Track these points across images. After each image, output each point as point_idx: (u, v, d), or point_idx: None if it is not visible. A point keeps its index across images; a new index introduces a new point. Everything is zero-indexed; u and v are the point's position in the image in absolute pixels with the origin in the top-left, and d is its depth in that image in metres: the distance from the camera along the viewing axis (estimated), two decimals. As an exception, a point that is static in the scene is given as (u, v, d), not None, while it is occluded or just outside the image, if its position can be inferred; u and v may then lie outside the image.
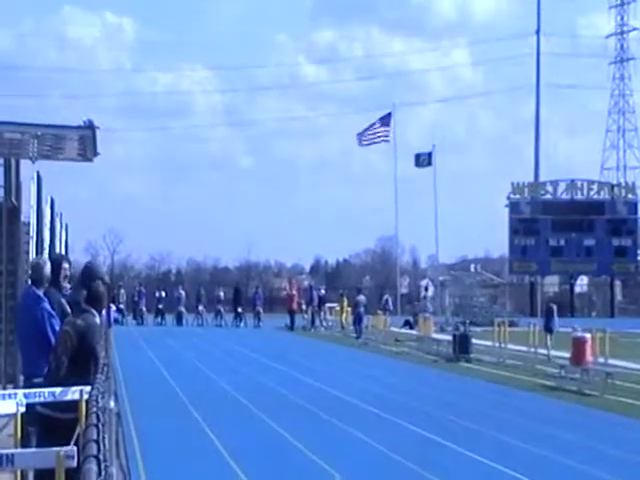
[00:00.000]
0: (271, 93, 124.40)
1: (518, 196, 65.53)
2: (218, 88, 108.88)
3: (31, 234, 15.82)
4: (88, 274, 9.69)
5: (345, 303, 46.00)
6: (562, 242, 65.24)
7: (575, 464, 12.60)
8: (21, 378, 10.05)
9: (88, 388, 7.40)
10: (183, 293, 50.67)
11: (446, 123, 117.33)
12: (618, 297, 72.99)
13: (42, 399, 7.67)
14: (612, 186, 69.07)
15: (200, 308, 49.24)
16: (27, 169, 14.80)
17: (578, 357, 22.42)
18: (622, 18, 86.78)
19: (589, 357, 22.59)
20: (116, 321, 42.05)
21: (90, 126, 12.12)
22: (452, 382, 23.54)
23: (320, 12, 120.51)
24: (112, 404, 9.20)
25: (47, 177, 16.50)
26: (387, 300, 49.14)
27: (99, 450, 4.70)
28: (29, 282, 9.82)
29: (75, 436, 6.37)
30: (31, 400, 7.58)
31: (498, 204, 66.85)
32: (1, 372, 14.53)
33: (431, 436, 14.66)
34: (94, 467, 4.39)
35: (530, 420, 16.72)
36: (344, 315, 45.45)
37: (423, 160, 55.33)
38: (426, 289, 51.79)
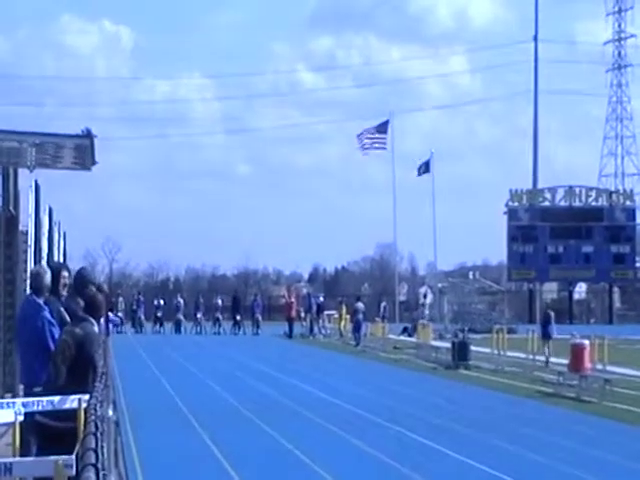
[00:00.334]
0: (269, 101, 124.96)
1: (516, 203, 65.57)
2: (216, 96, 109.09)
3: (29, 243, 15.83)
4: (81, 280, 9.71)
5: (344, 310, 45.98)
6: (560, 249, 65.27)
7: (573, 471, 12.60)
8: (21, 387, 10.05)
9: (87, 397, 7.40)
10: (182, 301, 50.67)
11: (444, 130, 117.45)
12: (616, 304, 72.96)
13: (41, 408, 7.67)
14: (610, 193, 69.13)
15: (199, 316, 49.24)
16: (25, 178, 14.82)
17: (577, 364, 22.41)
18: (620, 25, 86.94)
19: (587, 364, 22.58)
20: (116, 326, 42.01)
21: (88, 135, 12.14)
22: (451, 389, 23.53)
23: (318, 20, 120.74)
24: (111, 413, 9.21)
25: (45, 186, 16.52)
26: (385, 307, 49.18)
27: (97, 459, 4.70)
28: (29, 291, 9.82)
29: (74, 445, 6.37)
30: (30, 409, 7.58)
31: (496, 211, 66.98)
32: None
33: (430, 443, 14.64)
34: (92, 476, 4.39)
35: (529, 427, 16.71)
36: (343, 323, 45.44)
37: (421, 167, 55.38)
38: (425, 296, 51.72)
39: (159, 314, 50.05)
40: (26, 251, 15.71)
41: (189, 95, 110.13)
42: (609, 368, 23.95)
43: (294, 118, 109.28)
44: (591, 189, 68.38)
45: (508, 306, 68.34)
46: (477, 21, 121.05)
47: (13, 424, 7.34)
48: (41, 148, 12.64)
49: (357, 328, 40.92)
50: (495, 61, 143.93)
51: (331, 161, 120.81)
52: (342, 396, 20.77)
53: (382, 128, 56.65)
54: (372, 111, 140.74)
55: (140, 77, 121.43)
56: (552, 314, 31.55)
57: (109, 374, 13.16)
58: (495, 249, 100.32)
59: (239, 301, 50.99)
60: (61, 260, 25.47)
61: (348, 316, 45.02)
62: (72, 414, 7.42)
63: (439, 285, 58.03)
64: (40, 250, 17.02)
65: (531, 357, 28.49)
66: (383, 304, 50.16)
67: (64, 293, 9.59)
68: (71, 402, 7.58)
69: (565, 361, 23.82)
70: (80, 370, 8.16)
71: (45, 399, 7.70)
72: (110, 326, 23.96)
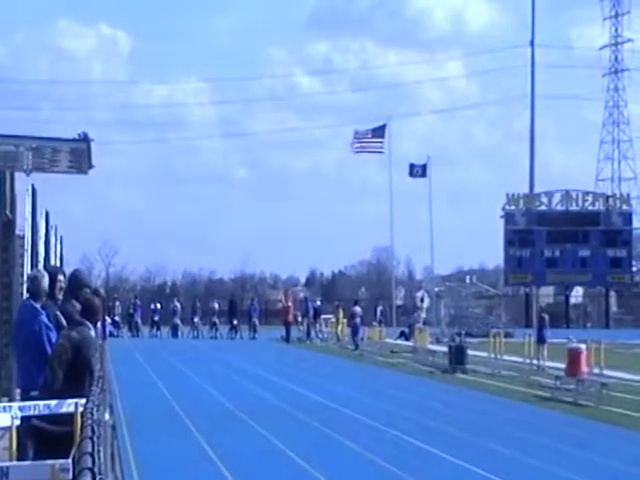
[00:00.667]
0: (266, 105, 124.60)
1: (513, 207, 65.61)
2: (213, 100, 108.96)
3: (26, 247, 15.82)
4: (75, 282, 9.71)
5: (341, 315, 46.00)
6: (557, 253, 65.33)
7: (569, 474, 12.60)
8: (17, 391, 10.05)
9: (83, 401, 7.40)
10: (178, 305, 50.66)
11: (441, 134, 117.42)
12: (613, 308, 73.02)
13: (37, 412, 7.67)
14: (607, 197, 69.22)
15: (195, 320, 49.23)
16: (22, 182, 14.83)
17: (573, 368, 22.42)
18: (616, 30, 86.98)
19: (584, 368, 22.59)
20: (111, 334, 42.04)
21: (85, 138, 12.15)
22: (448, 393, 23.53)
23: (315, 24, 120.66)
24: (107, 417, 9.20)
25: (42, 190, 16.52)
26: (381, 312, 49.24)
27: (94, 463, 4.70)
28: (26, 295, 9.82)
29: (71, 449, 6.37)
30: (26, 413, 7.58)
31: (493, 215, 67.00)
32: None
33: (426, 447, 14.64)
34: (89, 480, 4.40)
35: (525, 431, 16.72)
36: (340, 327, 45.45)
37: (417, 171, 55.30)
38: (421, 300, 51.71)
39: (156, 318, 50.06)
40: (23, 255, 15.70)
41: (186, 99, 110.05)
42: (606, 372, 23.99)
43: (291, 122, 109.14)
44: (588, 193, 68.43)
45: (505, 310, 68.42)
46: (474, 26, 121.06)
47: (10, 428, 7.34)
48: (38, 152, 12.65)
49: (355, 332, 40.94)
50: (492, 66, 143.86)
51: (328, 165, 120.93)
52: (339, 400, 20.78)
53: (379, 132, 56.60)
54: (369, 115, 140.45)
55: (137, 81, 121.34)
56: (547, 318, 31.56)
57: (106, 378, 13.16)
58: (492, 253, 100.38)
59: (236, 305, 50.98)
60: (58, 264, 25.46)
61: (345, 320, 45.05)
62: (69, 418, 7.42)
63: (436, 289, 58.01)
64: (37, 254, 17.02)
65: (528, 361, 28.51)
66: (379, 308, 50.22)
67: (60, 297, 9.60)
68: (68, 406, 7.58)
69: (562, 365, 23.83)
70: (77, 374, 8.16)
71: (42, 403, 7.71)
72: (107, 330, 23.98)
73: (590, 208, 65.80)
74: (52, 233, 23.93)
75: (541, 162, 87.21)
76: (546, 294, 74.39)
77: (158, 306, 50.94)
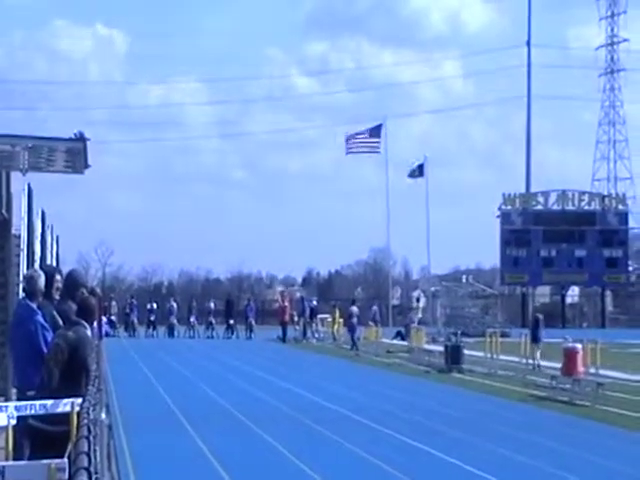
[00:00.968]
0: (263, 105, 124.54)
1: (509, 207, 65.68)
2: (210, 100, 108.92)
3: (22, 247, 15.82)
4: (72, 282, 9.70)
5: (337, 314, 45.99)
6: (553, 253, 65.40)
7: (565, 474, 12.62)
8: (14, 391, 10.04)
9: (79, 400, 7.40)
10: (175, 305, 50.63)
11: (437, 135, 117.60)
12: (609, 308, 73.10)
13: (34, 412, 7.66)
14: (603, 197, 69.31)
15: (192, 320, 49.20)
16: (18, 181, 14.82)
17: (569, 368, 22.45)
18: (612, 30, 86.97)
19: (580, 368, 22.62)
20: (108, 334, 42.03)
21: (81, 138, 12.13)
22: (444, 393, 23.54)
23: (311, 25, 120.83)
24: (103, 416, 9.21)
25: (38, 189, 16.53)
26: (375, 311, 49.20)
27: (90, 462, 4.70)
28: (23, 295, 9.80)
29: (67, 449, 6.37)
30: (22, 413, 7.58)
31: (490, 215, 67.05)
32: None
33: (423, 447, 14.66)
34: (85, 479, 4.40)
35: (521, 430, 16.74)
36: (336, 326, 45.45)
37: (414, 171, 55.33)
38: (418, 300, 51.75)
39: (152, 318, 50.03)
40: (19, 255, 15.70)
41: (183, 99, 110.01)
42: (602, 372, 24.00)
43: (288, 122, 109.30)
44: (584, 193, 68.50)
45: (501, 310, 68.48)
46: (470, 26, 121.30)
47: (6, 428, 7.34)
48: (34, 151, 12.63)
49: (351, 332, 40.93)
50: (488, 66, 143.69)
51: (325, 165, 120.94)
52: (335, 399, 20.78)
53: (375, 132, 56.60)
54: (366, 116, 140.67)
55: (134, 81, 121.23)
56: (541, 317, 31.57)
57: (102, 378, 13.16)
58: (488, 253, 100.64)
59: (232, 305, 50.97)
60: (54, 264, 25.45)
61: (341, 320, 45.05)
62: (65, 418, 7.42)
63: (432, 289, 58.09)
64: (33, 254, 17.02)
65: (524, 361, 28.53)
66: (374, 308, 50.20)
67: (57, 297, 9.59)
68: (64, 406, 7.58)
69: (558, 365, 23.85)
70: (73, 374, 8.16)
71: (38, 403, 7.70)
72: (103, 330, 23.97)
73: (586, 208, 65.88)
74: (48, 233, 23.94)
75: (537, 162, 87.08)
76: (542, 294, 74.47)
77: (154, 306, 50.88)
